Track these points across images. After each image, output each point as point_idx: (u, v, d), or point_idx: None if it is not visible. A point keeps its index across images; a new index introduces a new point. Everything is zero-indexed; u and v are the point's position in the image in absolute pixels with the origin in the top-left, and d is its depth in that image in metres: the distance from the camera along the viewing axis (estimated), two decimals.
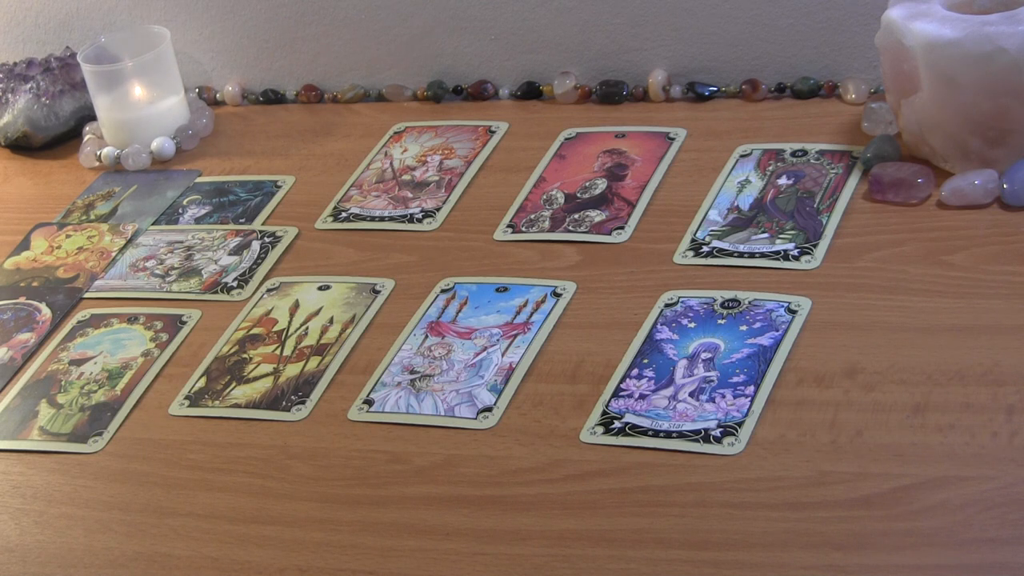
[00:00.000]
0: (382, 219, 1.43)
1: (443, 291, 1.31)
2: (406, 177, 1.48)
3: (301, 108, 1.66)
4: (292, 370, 1.26)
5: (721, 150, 1.42)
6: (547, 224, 1.37)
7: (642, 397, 1.15)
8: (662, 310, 1.23)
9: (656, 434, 1.11)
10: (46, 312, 1.39)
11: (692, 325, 1.21)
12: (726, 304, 1.22)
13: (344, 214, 1.45)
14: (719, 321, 1.20)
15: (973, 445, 1.05)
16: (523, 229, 1.37)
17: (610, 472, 1.10)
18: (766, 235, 1.29)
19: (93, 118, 1.64)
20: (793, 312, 1.20)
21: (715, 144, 1.44)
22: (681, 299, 1.24)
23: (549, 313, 1.26)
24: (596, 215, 1.37)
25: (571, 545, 1.04)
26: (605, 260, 1.31)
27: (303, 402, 1.22)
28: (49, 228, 1.52)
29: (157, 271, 1.42)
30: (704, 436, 1.10)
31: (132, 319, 1.36)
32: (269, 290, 1.36)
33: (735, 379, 1.14)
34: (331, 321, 1.30)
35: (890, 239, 1.27)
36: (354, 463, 1.15)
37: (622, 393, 1.16)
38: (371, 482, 1.13)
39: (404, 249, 1.38)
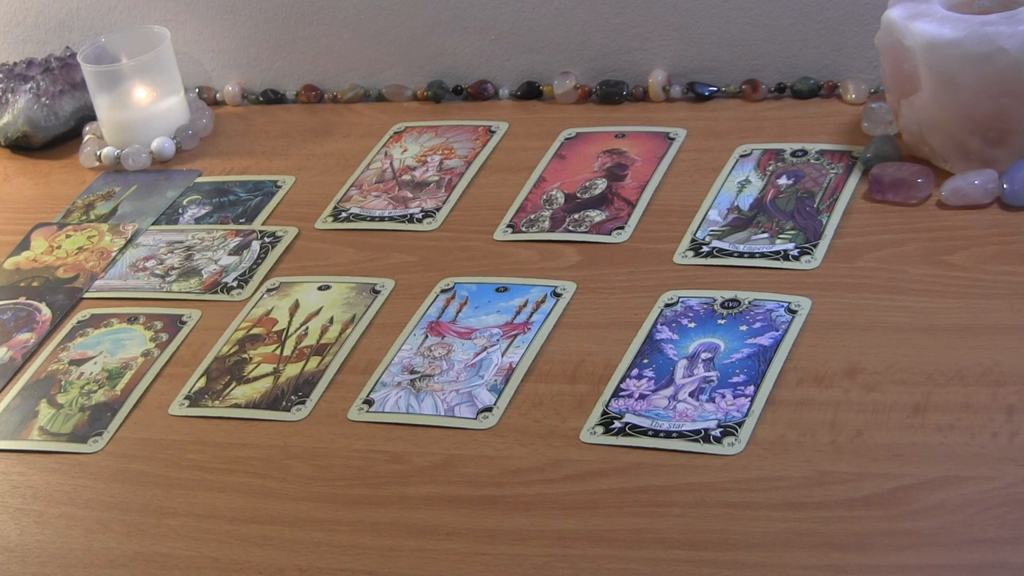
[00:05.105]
0: (382, 219, 1.43)
1: (443, 291, 1.31)
2: (406, 177, 1.48)
3: (301, 108, 1.66)
4: (292, 370, 1.26)
5: (721, 150, 1.42)
6: (547, 224, 1.37)
7: (642, 397, 1.15)
8: (662, 310, 1.23)
9: (656, 434, 1.11)
10: (46, 312, 1.39)
11: (692, 325, 1.21)
12: (726, 304, 1.22)
13: (344, 214, 1.45)
14: (719, 321, 1.20)
15: (973, 445, 1.05)
16: (523, 229, 1.37)
17: (610, 472, 1.10)
18: (766, 235, 1.29)
19: (93, 118, 1.64)
20: (793, 312, 1.20)
21: (715, 144, 1.44)
22: (681, 299, 1.24)
23: (549, 313, 1.26)
24: (596, 215, 1.37)
25: (571, 545, 1.04)
26: (605, 260, 1.31)
27: (303, 402, 1.22)
28: (49, 228, 1.52)
29: (157, 271, 1.42)
30: (704, 436, 1.10)
31: (132, 319, 1.36)
32: (269, 290, 1.36)
33: (735, 379, 1.14)
34: (331, 321, 1.30)
35: (890, 239, 1.27)
36: (354, 463, 1.15)
37: (622, 393, 1.16)
38: (371, 482, 1.13)
39: (404, 249, 1.38)
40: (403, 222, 1.42)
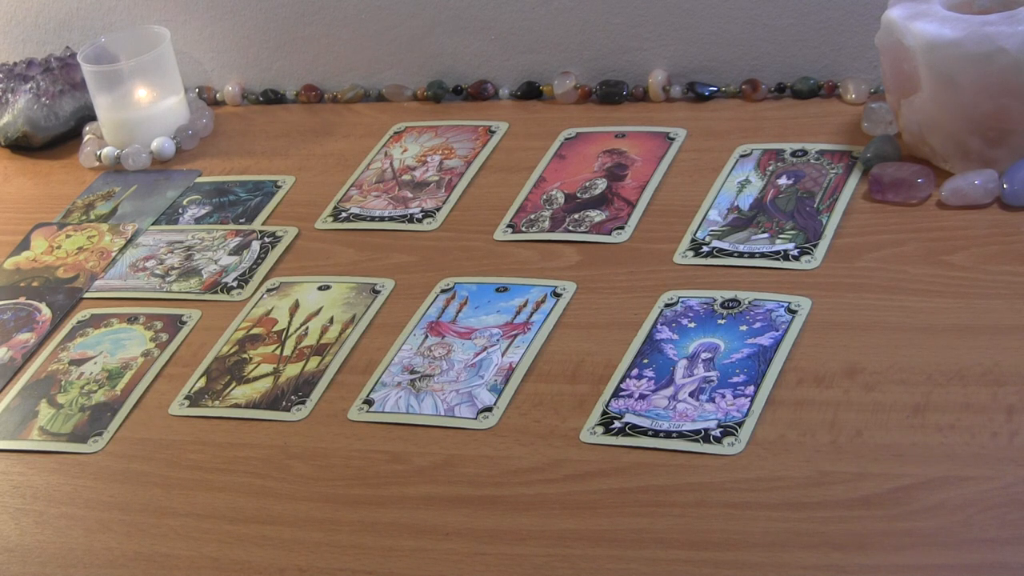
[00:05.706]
0: (382, 219, 1.43)
1: (443, 291, 1.31)
2: (406, 177, 1.48)
3: (301, 108, 1.66)
4: (292, 370, 1.26)
5: (721, 150, 1.42)
6: (547, 224, 1.37)
7: (642, 397, 1.15)
8: (662, 310, 1.23)
9: (656, 434, 1.11)
10: (46, 312, 1.39)
11: (692, 325, 1.21)
12: (726, 304, 1.22)
13: (344, 214, 1.45)
14: (719, 321, 1.20)
15: (973, 445, 1.05)
16: (523, 229, 1.37)
17: (610, 472, 1.10)
18: (766, 235, 1.29)
19: (93, 118, 1.64)
20: (793, 312, 1.20)
21: (715, 144, 1.44)
22: (681, 299, 1.24)
23: (549, 313, 1.26)
24: (596, 215, 1.37)
25: (571, 545, 1.04)
26: (605, 260, 1.31)
27: (303, 402, 1.22)
28: (49, 228, 1.52)
29: (157, 271, 1.42)
30: (704, 436, 1.10)
31: (132, 319, 1.36)
32: (269, 290, 1.36)
33: (735, 379, 1.14)
34: (331, 321, 1.30)
35: (890, 239, 1.27)
36: (354, 463, 1.15)
37: (622, 393, 1.16)
38: (371, 482, 1.13)
39: (404, 249, 1.38)
40: (403, 222, 1.42)
